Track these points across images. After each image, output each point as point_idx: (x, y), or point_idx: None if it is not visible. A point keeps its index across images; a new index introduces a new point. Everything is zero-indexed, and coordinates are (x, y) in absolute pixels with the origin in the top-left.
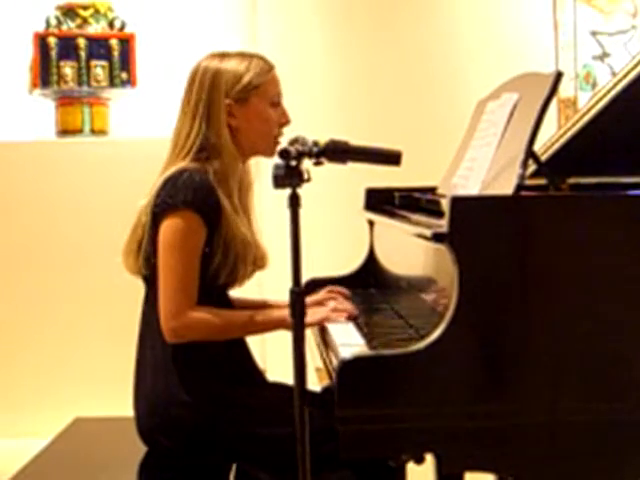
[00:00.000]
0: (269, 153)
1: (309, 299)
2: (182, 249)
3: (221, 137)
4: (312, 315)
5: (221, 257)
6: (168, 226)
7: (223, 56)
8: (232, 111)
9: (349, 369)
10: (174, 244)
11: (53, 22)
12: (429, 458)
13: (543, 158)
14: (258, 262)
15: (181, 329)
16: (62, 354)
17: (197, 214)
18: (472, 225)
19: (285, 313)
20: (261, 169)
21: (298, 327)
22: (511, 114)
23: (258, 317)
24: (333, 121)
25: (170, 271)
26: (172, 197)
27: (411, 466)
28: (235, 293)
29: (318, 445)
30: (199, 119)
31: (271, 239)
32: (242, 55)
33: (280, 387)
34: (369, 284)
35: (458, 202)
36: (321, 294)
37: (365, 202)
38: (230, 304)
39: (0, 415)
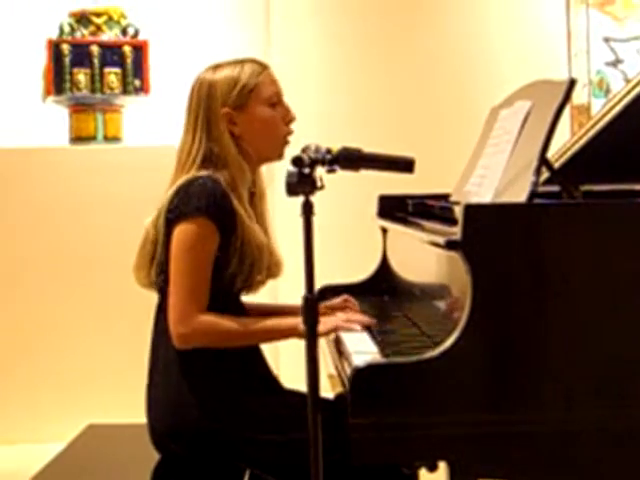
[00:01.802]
0: (277, 155)
1: (322, 306)
2: (193, 254)
3: (224, 147)
4: (324, 324)
5: (237, 263)
6: (181, 232)
7: (217, 67)
8: (232, 119)
9: (362, 377)
10: (185, 249)
11: (66, 29)
12: (442, 465)
13: (556, 165)
14: (273, 269)
15: (189, 335)
16: (76, 361)
17: (210, 220)
18: (485, 232)
19: (296, 321)
20: (274, 177)
21: (311, 334)
22: (524, 121)
23: (269, 325)
24: (346, 128)
25: (180, 276)
26: (185, 204)
27: (424, 473)
28: (250, 298)
29: (331, 454)
30: (199, 132)
31: (284, 246)
32: (234, 62)
33: (293, 394)
34: (382, 291)
35: (471, 209)
36: (335, 302)
37: (378, 209)
38: (243, 310)
39: (14, 421)
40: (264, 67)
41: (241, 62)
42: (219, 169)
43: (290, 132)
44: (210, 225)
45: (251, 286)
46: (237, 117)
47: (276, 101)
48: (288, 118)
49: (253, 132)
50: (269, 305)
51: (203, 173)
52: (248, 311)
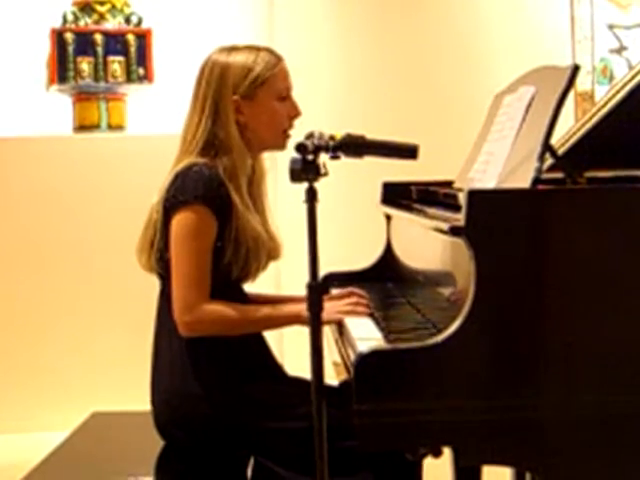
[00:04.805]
0: (279, 147)
1: (326, 298)
2: (194, 242)
3: (229, 134)
4: (328, 312)
5: (232, 252)
6: (179, 220)
7: (231, 50)
8: (240, 108)
9: (366, 363)
10: (186, 237)
11: (70, 18)
12: (447, 451)
13: (560, 151)
14: (272, 253)
15: (194, 323)
16: (79, 348)
17: (208, 207)
18: (489, 218)
19: (300, 308)
20: (278, 163)
21: (315, 321)
22: (528, 108)
23: (273, 312)
24: (349, 115)
25: (182, 264)
26: (182, 192)
27: (428, 459)
28: (252, 287)
29: (335, 441)
30: (207, 115)
31: (288, 233)
32: (250, 48)
33: (298, 381)
34: (386, 278)
35: (475, 195)
36: (339, 293)
37: (382, 196)
38: (245, 298)
39: (18, 410)
40: (279, 59)
41: (256, 50)
42: (220, 155)
43: (291, 127)
44: (208, 212)
45: (248, 274)
46: (245, 106)
47: (285, 95)
48: (293, 113)
49: (258, 123)
50: (272, 296)
51: (200, 160)
52: (251, 301)
